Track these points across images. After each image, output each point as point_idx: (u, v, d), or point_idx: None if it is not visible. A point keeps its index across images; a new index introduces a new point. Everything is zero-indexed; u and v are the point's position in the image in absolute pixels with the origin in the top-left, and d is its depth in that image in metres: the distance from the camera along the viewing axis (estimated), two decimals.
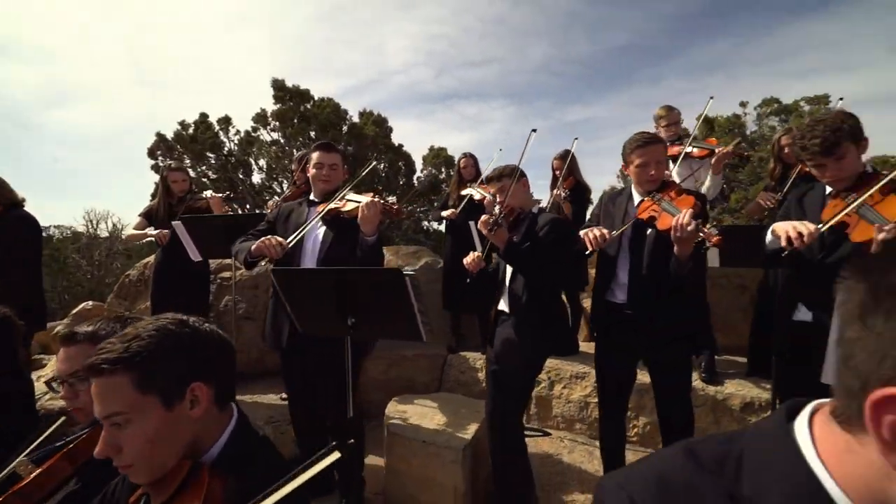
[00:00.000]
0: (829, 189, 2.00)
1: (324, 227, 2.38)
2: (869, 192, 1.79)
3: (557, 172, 4.20)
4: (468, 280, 2.40)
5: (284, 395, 3.40)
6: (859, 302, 0.38)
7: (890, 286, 0.36)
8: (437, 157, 14.65)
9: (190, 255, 3.28)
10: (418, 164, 14.96)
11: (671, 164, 3.83)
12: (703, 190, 3.82)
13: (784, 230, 1.83)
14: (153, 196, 4.01)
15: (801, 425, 0.47)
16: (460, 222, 4.23)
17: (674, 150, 3.81)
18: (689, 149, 3.71)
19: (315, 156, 2.48)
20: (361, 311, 1.69)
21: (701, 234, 1.92)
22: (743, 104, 13.10)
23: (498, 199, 2.50)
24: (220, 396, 0.95)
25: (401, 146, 14.20)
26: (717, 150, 3.56)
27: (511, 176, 2.43)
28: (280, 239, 2.27)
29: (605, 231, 2.20)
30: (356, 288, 1.67)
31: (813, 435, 0.45)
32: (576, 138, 3.52)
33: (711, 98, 3.94)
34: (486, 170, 4.33)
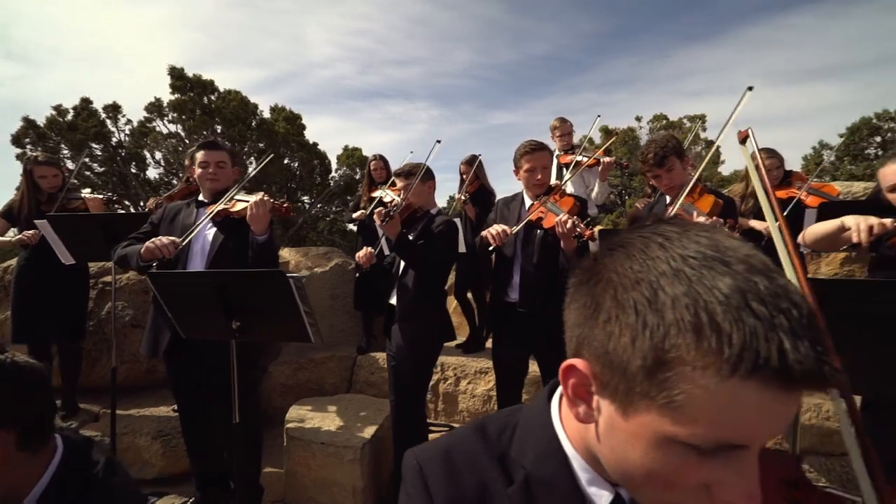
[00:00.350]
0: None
1: (214, 229, 2.29)
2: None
3: (465, 176, 4.38)
4: (357, 275, 2.49)
5: (175, 407, 3.18)
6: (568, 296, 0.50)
7: (573, 284, 0.48)
8: (352, 157, 14.41)
9: (60, 257, 2.95)
10: (334, 164, 14.65)
11: (564, 171, 4.19)
12: (593, 195, 4.23)
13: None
14: (18, 189, 3.51)
15: (554, 399, 0.59)
16: (370, 223, 4.24)
17: (566, 158, 4.17)
18: (579, 158, 4.08)
19: (199, 155, 2.38)
20: (247, 314, 1.66)
21: (577, 230, 2.16)
22: (638, 118, 14.59)
23: (402, 195, 2.60)
24: (27, 441, 0.86)
25: (315, 144, 13.77)
26: (602, 160, 3.96)
27: (417, 174, 2.54)
28: (172, 237, 2.15)
29: (505, 227, 2.37)
30: (240, 291, 1.64)
31: (561, 406, 0.57)
32: (479, 155, 3.75)
33: (599, 116, 4.40)
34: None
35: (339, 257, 5.31)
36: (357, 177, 13.23)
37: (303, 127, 13.64)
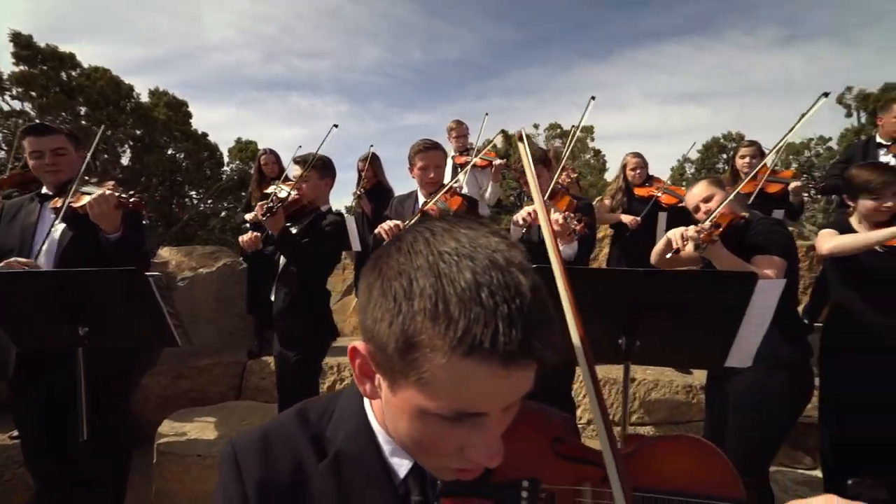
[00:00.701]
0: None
1: (62, 225, 2.01)
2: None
3: (362, 173, 4.34)
4: (241, 259, 2.37)
5: (15, 434, 2.73)
6: None
7: (362, 274, 0.54)
8: (245, 150, 13.44)
9: None
10: (227, 157, 13.51)
11: (460, 172, 4.36)
12: (486, 196, 4.45)
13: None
14: None
15: None
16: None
17: (461, 159, 4.34)
18: (475, 160, 4.27)
19: (27, 143, 2.04)
20: (97, 318, 1.49)
21: None
22: (535, 126, 15.61)
23: (295, 185, 2.51)
24: None
25: (205, 135, 12.58)
26: (494, 163, 4.19)
27: (314, 166, 2.46)
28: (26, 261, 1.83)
29: (399, 223, 2.40)
30: (87, 292, 1.46)
31: None
32: (371, 146, 3.73)
33: (501, 130, 4.66)
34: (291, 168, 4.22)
35: (228, 257, 4.94)
36: (252, 171, 12.34)
37: (188, 115, 12.38)
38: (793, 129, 2.15)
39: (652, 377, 3.56)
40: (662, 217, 3.78)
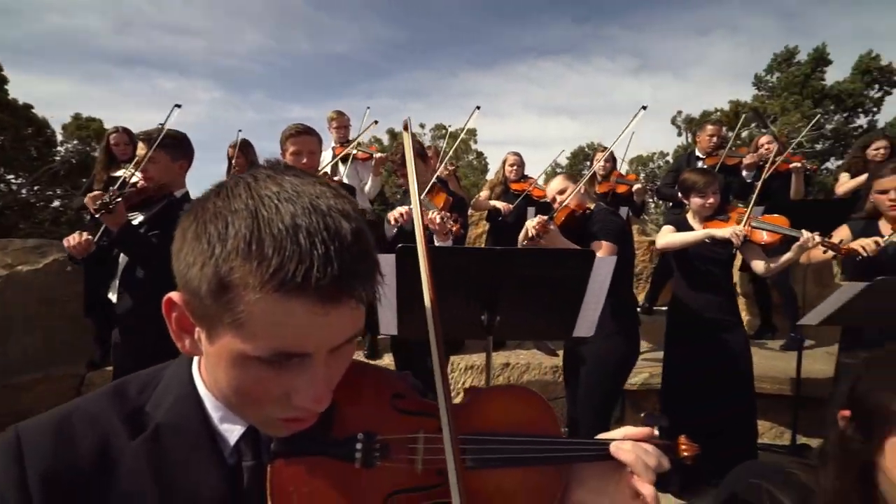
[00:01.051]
0: None
1: None
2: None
3: (233, 160, 3.99)
4: (69, 268, 2.01)
5: None
6: None
7: (179, 222, 0.50)
8: (85, 128, 11.44)
9: None
10: (60, 136, 11.32)
11: (340, 164, 4.25)
12: (366, 189, 4.40)
13: None
14: None
15: None
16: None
17: (341, 150, 4.23)
18: (353, 151, 4.20)
19: None
20: None
21: None
22: (422, 125, 15.90)
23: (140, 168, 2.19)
24: None
25: (27, 107, 10.37)
26: (375, 156, 4.16)
27: (164, 145, 2.17)
28: None
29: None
30: None
31: None
32: (240, 130, 3.43)
33: (376, 121, 4.56)
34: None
35: (58, 252, 4.16)
36: (96, 154, 10.55)
37: (3, 80, 10.13)
38: (620, 136, 2.57)
39: (524, 360, 3.87)
40: (531, 211, 4.13)
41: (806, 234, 2.28)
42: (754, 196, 2.80)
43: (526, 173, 4.48)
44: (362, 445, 0.53)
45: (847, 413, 0.72)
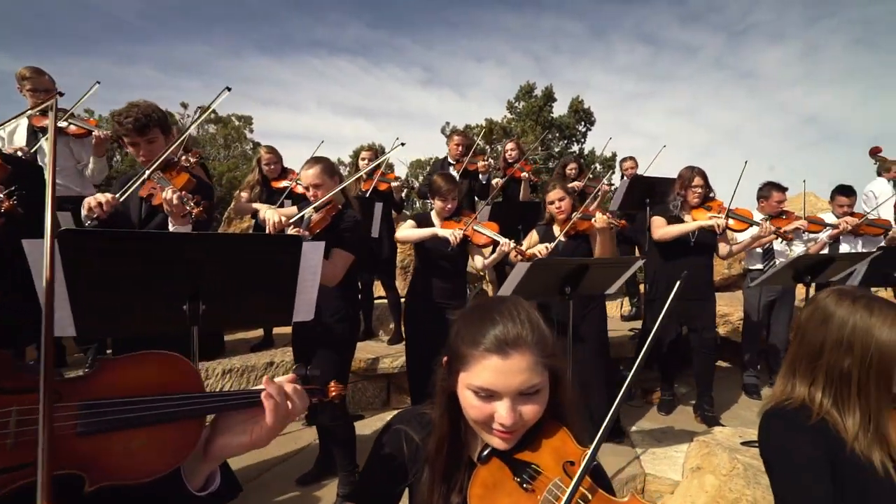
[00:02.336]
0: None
1: None
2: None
3: None
4: None
5: None
6: None
7: None
8: None
9: None
10: None
11: (41, 135, 3.35)
12: (87, 172, 3.60)
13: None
14: None
15: None
16: None
17: (42, 121, 3.35)
18: (63, 124, 3.37)
19: None
20: None
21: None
22: (184, 105, 13.71)
23: None
24: None
25: None
26: (95, 133, 3.42)
27: None
28: None
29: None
30: None
31: None
32: None
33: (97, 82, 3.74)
34: None
35: None
36: None
37: None
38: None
39: (290, 358, 3.78)
40: (289, 203, 4.06)
41: (503, 241, 2.87)
42: (489, 198, 3.39)
43: (286, 166, 4.33)
44: None
45: (445, 358, 0.93)
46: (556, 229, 3.20)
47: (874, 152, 5.50)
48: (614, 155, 16.34)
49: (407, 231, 3.08)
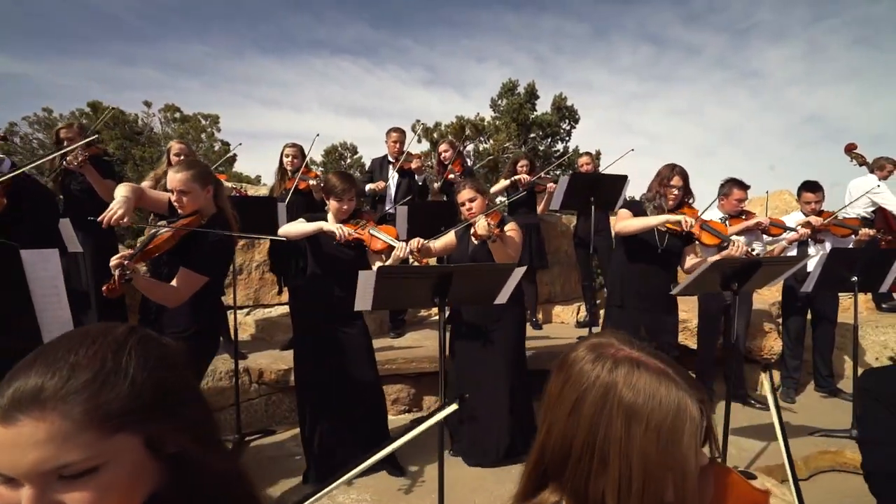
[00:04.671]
0: None
1: None
2: None
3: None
4: None
5: None
6: None
7: None
8: None
9: None
10: None
11: None
12: None
13: None
14: None
15: None
16: None
17: None
18: None
19: None
20: None
21: None
22: (147, 104, 13.22)
23: None
24: None
25: None
26: None
27: None
28: None
29: None
30: None
31: None
32: None
33: None
34: None
35: None
36: None
37: None
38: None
39: None
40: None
41: (398, 245, 2.53)
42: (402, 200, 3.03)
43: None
44: None
45: None
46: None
47: (849, 149, 5.27)
48: (599, 153, 16.09)
49: (290, 226, 2.74)
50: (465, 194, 2.81)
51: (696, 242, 3.02)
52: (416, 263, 2.52)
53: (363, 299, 1.98)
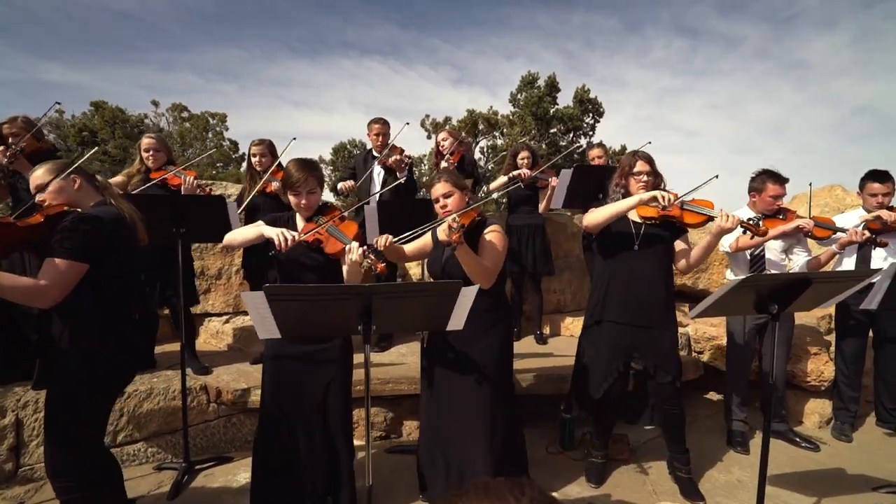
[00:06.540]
0: None
1: None
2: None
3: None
4: None
5: None
6: None
7: None
8: None
9: None
10: None
11: None
12: None
13: None
14: None
15: None
16: None
17: None
18: None
19: None
20: None
21: None
22: (155, 103, 13.19)
23: None
24: None
25: None
26: None
27: None
28: None
29: None
30: None
31: None
32: None
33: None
34: None
35: None
36: None
37: None
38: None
39: (145, 388, 3.03)
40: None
41: (351, 245, 2.06)
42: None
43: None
44: None
45: None
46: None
47: None
48: (624, 148, 15.15)
49: (236, 231, 2.34)
50: (438, 189, 2.30)
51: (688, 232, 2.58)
52: (376, 269, 2.01)
53: (263, 326, 1.50)
